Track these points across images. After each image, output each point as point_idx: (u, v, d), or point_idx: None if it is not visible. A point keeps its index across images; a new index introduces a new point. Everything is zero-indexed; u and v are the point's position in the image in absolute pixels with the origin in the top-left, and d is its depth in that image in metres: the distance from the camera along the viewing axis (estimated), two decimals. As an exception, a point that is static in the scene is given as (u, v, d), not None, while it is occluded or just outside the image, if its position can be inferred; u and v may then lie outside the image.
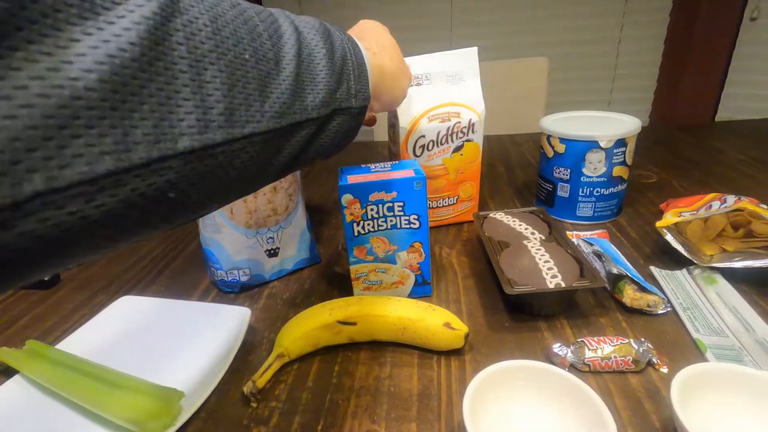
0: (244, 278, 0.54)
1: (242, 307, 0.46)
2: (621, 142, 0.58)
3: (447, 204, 0.65)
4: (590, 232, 0.59)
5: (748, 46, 1.78)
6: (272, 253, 0.54)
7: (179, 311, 0.49)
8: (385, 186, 0.44)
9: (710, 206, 0.52)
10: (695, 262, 0.49)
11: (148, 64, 0.16)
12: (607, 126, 0.61)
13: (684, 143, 0.94)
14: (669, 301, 0.45)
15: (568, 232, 0.60)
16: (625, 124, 0.60)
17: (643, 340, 0.39)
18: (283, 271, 0.57)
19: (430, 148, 0.60)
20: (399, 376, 0.40)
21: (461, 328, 0.41)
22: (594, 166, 0.60)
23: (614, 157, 0.59)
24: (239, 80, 0.20)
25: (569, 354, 0.39)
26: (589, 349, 0.39)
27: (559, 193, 0.64)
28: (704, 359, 0.39)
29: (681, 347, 0.40)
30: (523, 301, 0.46)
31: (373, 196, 0.44)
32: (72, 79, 0.13)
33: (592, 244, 0.53)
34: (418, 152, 0.60)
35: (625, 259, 0.50)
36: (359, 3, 1.98)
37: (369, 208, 0.45)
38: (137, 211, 0.17)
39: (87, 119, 0.14)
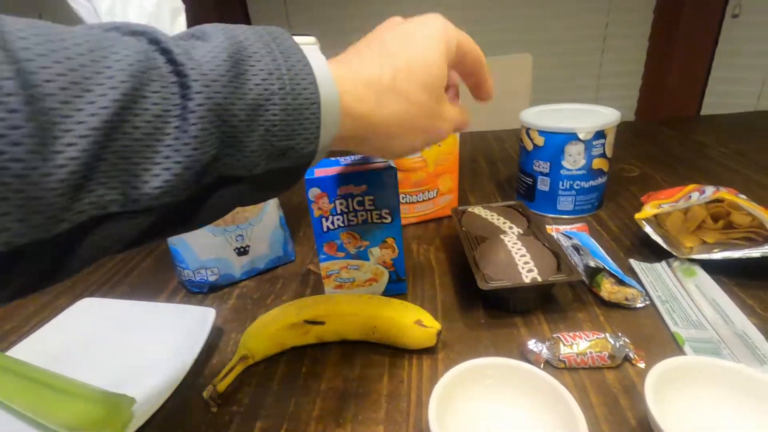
0: (212, 278, 0.51)
1: (206, 307, 0.44)
2: (600, 134, 0.57)
3: (427, 198, 0.63)
4: (570, 226, 0.58)
5: (730, 42, 1.79)
6: (242, 251, 0.52)
7: (141, 313, 0.47)
8: (353, 179, 0.42)
9: (689, 197, 0.51)
10: (674, 254, 0.48)
11: None
12: (586, 118, 0.60)
13: (667, 137, 0.94)
14: (647, 294, 0.44)
15: (548, 226, 0.59)
16: (604, 116, 0.59)
17: (620, 334, 0.38)
18: (254, 270, 0.55)
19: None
20: (369, 376, 0.39)
21: (433, 325, 0.39)
22: (573, 158, 0.59)
23: (593, 149, 0.58)
24: None
25: (544, 350, 0.38)
26: (564, 345, 0.37)
27: (540, 186, 0.63)
28: (682, 353, 0.37)
29: (659, 341, 0.39)
30: (499, 296, 0.44)
31: (342, 190, 0.42)
32: None
33: (571, 238, 0.52)
34: (394, 146, 0.58)
35: (604, 253, 0.49)
36: (344, 1, 1.96)
37: (338, 202, 0.43)
38: None
39: None
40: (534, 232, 0.50)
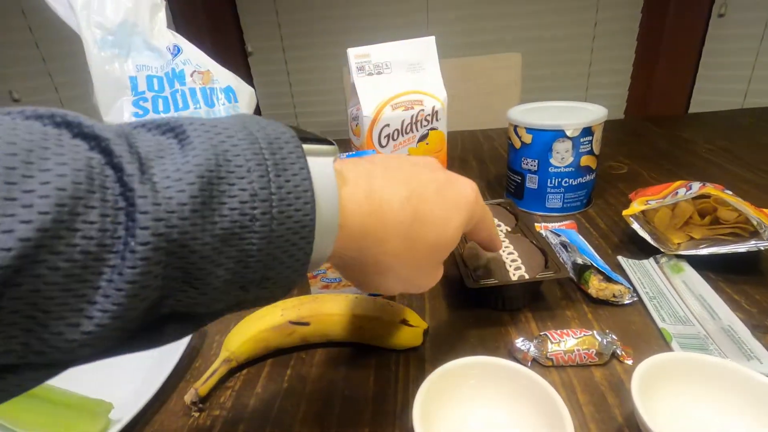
0: (197, 279, 0.50)
1: (189, 309, 0.43)
2: (587, 131, 0.57)
3: (414, 198, 0.63)
4: (559, 224, 0.57)
5: (716, 41, 1.81)
6: (227, 252, 0.51)
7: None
8: (338, 177, 0.41)
9: (676, 193, 0.51)
10: (662, 250, 0.48)
11: None
12: (573, 115, 0.60)
13: (655, 134, 0.94)
14: (635, 291, 0.44)
15: (537, 224, 0.58)
16: (591, 113, 0.59)
17: (607, 331, 0.38)
18: (240, 272, 0.54)
19: (395, 137, 0.58)
20: (355, 377, 0.38)
21: (420, 324, 0.39)
22: (561, 156, 0.59)
23: (581, 147, 0.58)
24: None
25: (532, 348, 0.37)
26: (552, 343, 0.37)
27: (528, 184, 0.63)
28: (669, 349, 0.37)
29: (647, 337, 0.39)
30: (486, 294, 0.44)
31: (327, 188, 0.42)
32: None
33: (559, 235, 0.52)
34: (383, 142, 0.58)
35: (592, 250, 0.49)
36: (335, 1, 1.95)
37: (322, 200, 0.42)
38: None
39: None
40: (522, 229, 0.50)
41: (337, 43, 2.00)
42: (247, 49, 2.09)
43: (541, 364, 0.37)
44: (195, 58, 0.47)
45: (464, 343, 0.40)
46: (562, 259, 0.49)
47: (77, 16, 0.41)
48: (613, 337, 0.37)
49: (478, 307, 0.45)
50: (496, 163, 0.85)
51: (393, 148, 0.58)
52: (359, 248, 0.22)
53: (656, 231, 0.51)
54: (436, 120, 0.58)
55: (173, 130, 0.17)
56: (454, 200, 0.25)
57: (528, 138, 0.60)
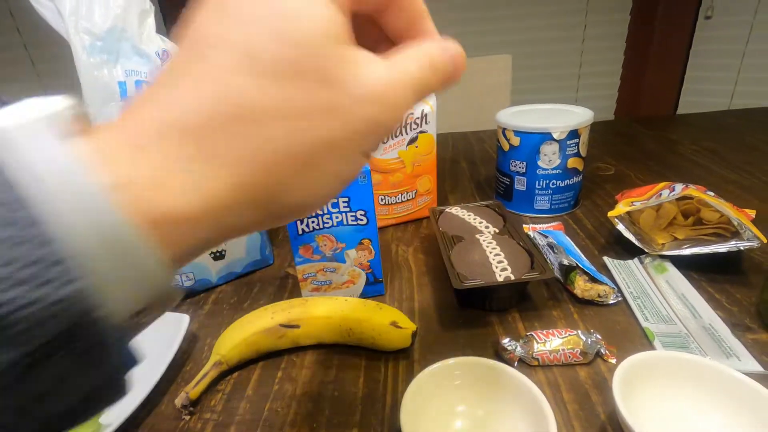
0: (188, 283, 0.51)
1: (179, 313, 0.43)
2: (574, 134, 0.58)
3: (406, 199, 0.63)
4: (546, 225, 0.58)
5: (703, 43, 1.84)
6: (218, 255, 0.52)
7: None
8: (327, 181, 0.42)
9: (660, 195, 0.52)
10: (647, 250, 0.49)
11: None
12: (560, 118, 0.60)
13: (642, 136, 0.96)
14: (620, 291, 0.45)
15: (525, 226, 0.59)
16: (578, 116, 0.60)
17: (591, 331, 0.38)
18: (231, 275, 0.54)
19: (384, 140, 0.58)
20: (344, 379, 0.38)
21: (408, 326, 0.39)
22: (549, 158, 0.59)
23: (568, 149, 0.59)
24: None
25: (518, 348, 0.38)
26: (537, 343, 0.38)
27: (517, 186, 0.64)
28: (652, 348, 0.38)
29: (630, 337, 0.40)
30: (474, 295, 0.45)
31: (316, 192, 0.42)
32: None
33: (546, 236, 0.53)
34: (372, 148, 0.58)
35: (578, 251, 0.50)
36: None
37: (312, 204, 0.43)
38: None
39: None
40: (509, 231, 0.51)
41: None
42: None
43: (527, 364, 0.38)
44: (185, 62, 0.47)
45: (452, 344, 0.41)
46: (549, 260, 0.50)
47: (65, 21, 0.41)
48: (598, 336, 0.38)
49: (465, 308, 0.45)
50: (486, 165, 0.86)
51: (383, 151, 0.59)
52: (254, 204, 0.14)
53: (641, 232, 0.52)
54: (426, 123, 0.58)
55: None
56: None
57: (516, 140, 0.60)
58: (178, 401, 0.36)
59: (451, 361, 0.32)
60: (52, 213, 0.11)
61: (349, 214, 0.44)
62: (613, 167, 0.79)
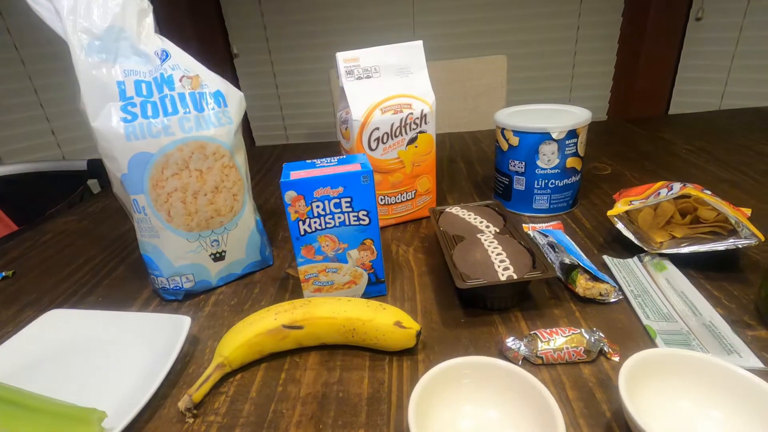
0: (187, 285, 0.50)
1: (180, 315, 0.43)
2: (572, 134, 0.58)
3: (405, 199, 0.63)
4: (546, 224, 0.59)
5: (694, 44, 1.87)
6: (218, 256, 0.51)
7: (112, 323, 0.45)
8: (329, 181, 0.42)
9: (658, 194, 0.52)
10: (645, 249, 0.49)
11: None
12: (559, 118, 0.61)
13: (636, 135, 0.97)
14: (621, 289, 0.45)
15: (525, 225, 0.59)
16: (576, 116, 0.61)
17: (594, 329, 0.39)
18: (231, 276, 0.54)
19: (384, 140, 0.58)
20: (349, 380, 0.38)
21: (412, 326, 0.39)
22: (547, 158, 0.60)
23: (566, 149, 0.59)
24: None
25: (522, 347, 0.38)
26: (541, 342, 0.38)
27: (516, 186, 0.64)
28: (654, 345, 0.38)
29: (632, 335, 0.40)
30: (476, 295, 0.45)
31: (318, 192, 0.42)
32: None
33: (547, 236, 0.53)
34: (373, 146, 0.58)
35: (578, 249, 0.50)
36: (321, 2, 1.95)
37: (314, 204, 0.43)
38: None
39: None
40: (510, 230, 0.51)
41: (323, 45, 2.00)
42: (233, 50, 2.07)
43: (531, 363, 0.38)
44: (183, 62, 0.47)
45: (456, 344, 0.41)
46: (550, 259, 0.50)
47: (63, 21, 0.40)
48: (601, 334, 0.38)
49: (468, 308, 0.46)
50: (483, 165, 0.86)
51: (383, 151, 0.59)
52: None
53: (640, 230, 0.53)
54: (425, 123, 0.58)
55: None
56: None
57: (515, 140, 0.61)
58: (182, 404, 0.35)
59: (458, 360, 0.32)
60: None
61: (351, 215, 0.44)
62: (610, 167, 0.80)
